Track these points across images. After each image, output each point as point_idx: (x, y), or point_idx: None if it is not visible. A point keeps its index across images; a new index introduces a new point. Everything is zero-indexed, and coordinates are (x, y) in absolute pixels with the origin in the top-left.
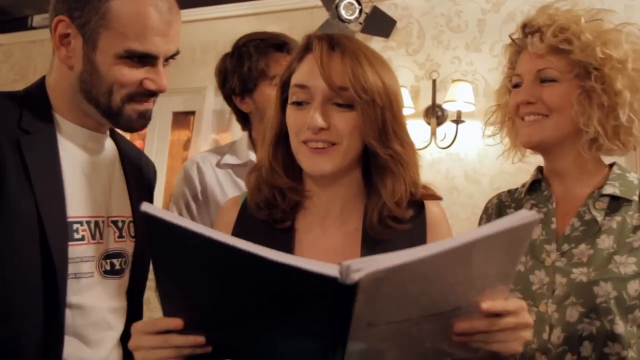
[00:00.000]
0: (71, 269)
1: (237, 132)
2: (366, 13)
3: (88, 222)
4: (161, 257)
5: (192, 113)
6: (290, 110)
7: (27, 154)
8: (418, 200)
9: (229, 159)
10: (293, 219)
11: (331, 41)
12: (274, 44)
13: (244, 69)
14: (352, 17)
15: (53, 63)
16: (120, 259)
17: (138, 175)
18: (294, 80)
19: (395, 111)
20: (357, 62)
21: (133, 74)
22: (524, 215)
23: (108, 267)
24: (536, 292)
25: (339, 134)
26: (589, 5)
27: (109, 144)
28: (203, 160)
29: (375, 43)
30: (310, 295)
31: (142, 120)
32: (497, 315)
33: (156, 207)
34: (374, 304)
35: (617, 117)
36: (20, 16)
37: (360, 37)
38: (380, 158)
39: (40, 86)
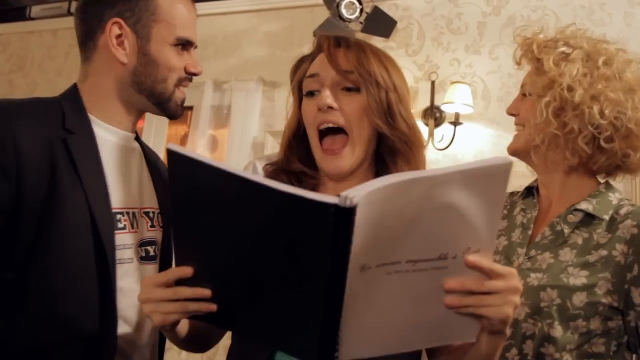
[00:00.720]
0: (117, 255)
1: (235, 129)
2: (367, 13)
3: (127, 213)
4: (179, 196)
5: (190, 108)
6: (304, 103)
7: (74, 152)
8: None
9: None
10: None
11: (338, 38)
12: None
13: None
14: (352, 17)
15: (90, 70)
16: (153, 247)
17: (159, 172)
18: (307, 74)
19: (400, 95)
20: (361, 51)
21: (179, 60)
22: (499, 159)
23: (143, 254)
24: None
25: (348, 117)
26: (589, 12)
27: (136, 145)
28: (260, 160)
29: (375, 43)
30: (313, 223)
31: (182, 109)
32: (487, 277)
33: (180, 147)
34: (368, 232)
35: (563, 128)
36: (19, 6)
37: (361, 36)
38: (389, 140)
39: (73, 92)
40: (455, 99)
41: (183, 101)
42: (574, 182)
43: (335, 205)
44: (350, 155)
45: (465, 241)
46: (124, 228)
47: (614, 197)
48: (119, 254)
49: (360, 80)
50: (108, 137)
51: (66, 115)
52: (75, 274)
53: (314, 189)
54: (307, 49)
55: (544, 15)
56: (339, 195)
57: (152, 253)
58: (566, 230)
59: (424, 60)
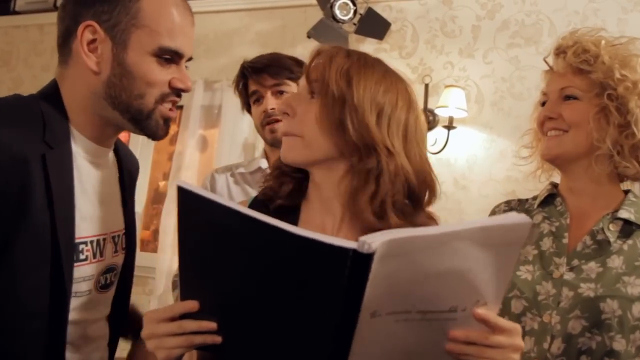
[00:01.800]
0: (73, 288)
1: (225, 129)
2: (361, 14)
3: (92, 242)
4: (188, 232)
5: (180, 107)
6: None
7: (51, 170)
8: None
9: (242, 169)
10: (297, 214)
11: (321, 49)
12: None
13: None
14: (346, 18)
15: (65, 74)
16: (112, 273)
17: (131, 184)
18: None
19: (357, 106)
20: (328, 60)
21: (163, 74)
22: (519, 216)
23: (103, 282)
24: (541, 302)
25: (300, 124)
26: (583, 18)
27: (112, 159)
28: (218, 170)
29: (369, 45)
30: (328, 268)
31: (166, 128)
32: (492, 331)
33: (189, 183)
34: (383, 280)
35: (632, 136)
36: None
37: (354, 38)
38: (346, 154)
39: (56, 96)
40: (449, 103)
41: (168, 119)
42: (606, 190)
43: (353, 250)
44: (297, 147)
45: (476, 294)
46: (85, 259)
47: None
48: (76, 287)
49: (318, 88)
50: (85, 154)
51: (47, 126)
52: (27, 307)
53: (300, 196)
54: (299, 49)
55: (538, 20)
56: (357, 240)
57: (109, 280)
58: (611, 239)
59: (418, 63)
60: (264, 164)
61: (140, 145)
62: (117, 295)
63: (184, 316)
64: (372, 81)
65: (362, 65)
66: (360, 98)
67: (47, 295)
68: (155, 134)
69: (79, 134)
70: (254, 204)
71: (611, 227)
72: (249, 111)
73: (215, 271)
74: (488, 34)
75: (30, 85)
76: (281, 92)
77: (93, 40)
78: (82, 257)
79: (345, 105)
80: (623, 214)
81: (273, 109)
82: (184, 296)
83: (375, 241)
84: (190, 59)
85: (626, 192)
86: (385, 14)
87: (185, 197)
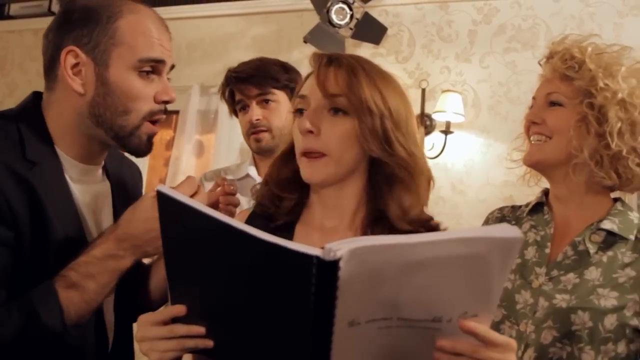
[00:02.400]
0: None
1: (222, 134)
2: (357, 19)
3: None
4: (169, 237)
5: (176, 112)
6: (295, 121)
7: (38, 185)
8: (432, 226)
9: (230, 175)
10: (292, 229)
11: (330, 57)
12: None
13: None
14: (342, 22)
15: (51, 99)
16: None
17: (126, 193)
18: (298, 93)
19: (396, 120)
20: (352, 73)
21: (146, 89)
22: (510, 230)
23: None
24: (519, 311)
25: (327, 142)
26: (580, 22)
27: (101, 176)
28: (205, 175)
29: (365, 49)
30: (295, 275)
31: (149, 145)
32: (484, 345)
33: (168, 187)
34: (355, 289)
35: (608, 146)
36: None
37: (350, 42)
38: (387, 166)
39: (39, 119)
40: (447, 108)
41: (151, 136)
42: (592, 200)
43: (317, 257)
44: (327, 166)
45: (462, 305)
46: None
47: (634, 217)
48: None
49: (349, 106)
50: (70, 171)
51: (26, 144)
52: None
53: (297, 213)
54: (296, 53)
55: (534, 24)
56: (323, 248)
57: None
58: (591, 250)
59: (414, 68)
60: (252, 171)
61: None
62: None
63: (177, 320)
64: (395, 92)
65: (381, 77)
66: (395, 112)
67: None
68: (138, 151)
69: (64, 154)
70: (253, 217)
71: (593, 238)
72: (237, 116)
73: (198, 276)
74: (484, 39)
75: (25, 90)
76: (267, 101)
77: (76, 64)
78: None
79: (386, 120)
80: (606, 224)
81: (258, 119)
82: (173, 300)
83: (341, 248)
84: (172, 67)
85: (615, 200)
86: (381, 19)
87: (165, 201)
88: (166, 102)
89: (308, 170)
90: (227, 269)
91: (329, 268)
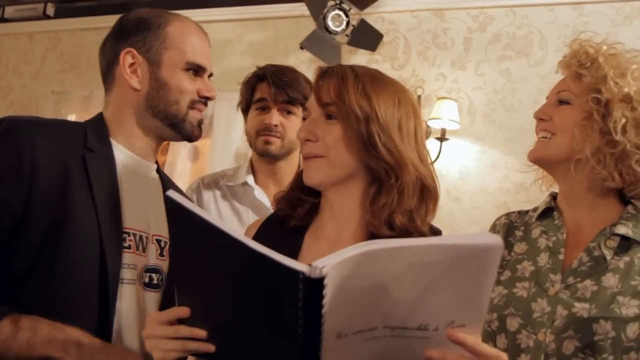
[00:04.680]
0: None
1: (217, 139)
2: (353, 25)
3: (134, 234)
4: (176, 240)
5: None
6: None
7: (91, 168)
8: (423, 233)
9: (227, 180)
10: (303, 234)
11: (328, 69)
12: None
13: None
14: (339, 29)
15: (109, 100)
16: (158, 275)
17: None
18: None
19: (383, 124)
20: (341, 81)
21: (191, 84)
22: (489, 237)
23: (147, 280)
24: (536, 320)
25: (325, 146)
26: (574, 31)
27: (154, 175)
28: (203, 180)
29: (361, 56)
30: (284, 287)
31: (199, 130)
32: (473, 357)
33: (179, 194)
34: (341, 302)
35: (613, 144)
36: None
37: (346, 49)
38: (374, 170)
39: (99, 118)
40: (442, 115)
41: (200, 122)
42: (604, 203)
43: (303, 274)
44: (322, 168)
45: (448, 314)
46: (128, 247)
47: None
48: (121, 273)
49: (338, 112)
50: (128, 162)
51: (88, 136)
52: (77, 288)
53: (312, 215)
54: (292, 59)
55: (529, 32)
56: (310, 265)
57: (155, 281)
58: (608, 256)
59: (410, 75)
60: (250, 180)
61: None
62: (163, 302)
63: (182, 322)
64: (387, 96)
65: (373, 81)
66: (383, 116)
67: (96, 275)
68: (191, 135)
69: (123, 147)
70: (268, 222)
71: (608, 243)
72: (245, 111)
73: (200, 281)
74: (480, 46)
75: (20, 93)
76: (288, 112)
77: (132, 64)
78: (125, 244)
79: (371, 124)
80: (621, 229)
81: (277, 125)
82: (179, 301)
83: (327, 265)
84: (210, 74)
85: (626, 203)
86: (377, 26)
87: (173, 206)
88: (207, 98)
89: (307, 173)
90: (223, 276)
91: (315, 284)
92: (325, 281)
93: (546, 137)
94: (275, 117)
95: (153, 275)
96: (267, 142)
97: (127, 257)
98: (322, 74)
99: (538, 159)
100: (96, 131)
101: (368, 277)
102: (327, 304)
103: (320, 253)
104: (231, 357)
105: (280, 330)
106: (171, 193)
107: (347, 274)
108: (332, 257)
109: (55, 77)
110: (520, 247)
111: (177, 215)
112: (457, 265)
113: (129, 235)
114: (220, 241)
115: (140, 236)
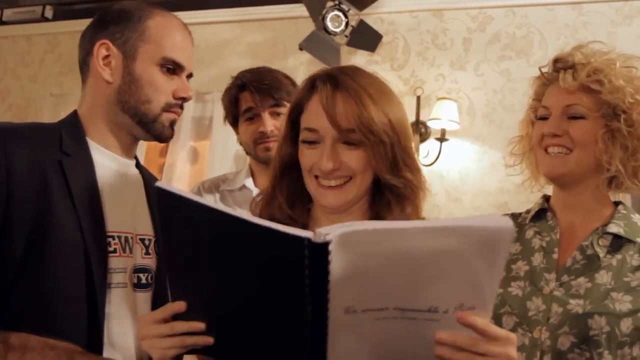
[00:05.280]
0: (107, 278)
1: (216, 141)
2: (352, 26)
3: (119, 237)
4: (169, 232)
5: None
6: (302, 149)
7: (69, 173)
8: None
9: (227, 185)
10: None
11: (335, 82)
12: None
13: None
14: (338, 30)
15: (84, 92)
16: (146, 274)
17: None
18: (304, 123)
19: (403, 144)
20: (361, 103)
21: (166, 84)
22: (501, 219)
23: (136, 281)
24: (532, 318)
25: (352, 169)
26: (573, 31)
27: (134, 171)
28: (203, 184)
29: (360, 57)
30: (289, 258)
31: (170, 130)
32: (484, 339)
33: (168, 184)
34: (348, 272)
35: (635, 158)
36: None
37: (345, 50)
38: (395, 188)
39: (73, 117)
40: (442, 115)
41: (173, 123)
42: (598, 204)
43: (308, 239)
44: (350, 191)
45: (458, 297)
46: (114, 252)
47: (637, 219)
48: (109, 278)
49: (362, 139)
50: (105, 161)
51: (64, 139)
52: (64, 297)
53: (304, 227)
54: (291, 60)
55: (528, 32)
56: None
57: (144, 281)
58: (601, 254)
59: (409, 75)
60: (249, 183)
61: None
62: (154, 300)
63: (177, 317)
64: (394, 107)
65: (383, 96)
66: (402, 132)
67: (83, 282)
68: (161, 135)
69: (99, 146)
70: None
71: (601, 242)
72: (234, 124)
73: (197, 269)
74: (479, 47)
75: (18, 96)
76: (278, 114)
77: (107, 56)
78: (110, 249)
79: (395, 149)
80: (612, 228)
81: (272, 130)
82: (174, 297)
83: (331, 232)
84: (190, 75)
85: (616, 203)
86: (376, 26)
87: (164, 196)
88: (183, 99)
89: (332, 197)
90: (225, 258)
91: (320, 251)
92: (330, 247)
93: (562, 153)
94: (268, 123)
95: (141, 275)
96: (268, 149)
97: (114, 262)
98: (332, 89)
99: (561, 176)
100: (71, 132)
101: (378, 256)
102: (333, 272)
103: None
104: (232, 345)
105: (286, 306)
106: (160, 184)
107: (356, 249)
108: (337, 227)
109: (54, 79)
110: (514, 248)
111: (168, 205)
112: (469, 247)
113: (113, 239)
114: (219, 222)
115: (126, 237)
